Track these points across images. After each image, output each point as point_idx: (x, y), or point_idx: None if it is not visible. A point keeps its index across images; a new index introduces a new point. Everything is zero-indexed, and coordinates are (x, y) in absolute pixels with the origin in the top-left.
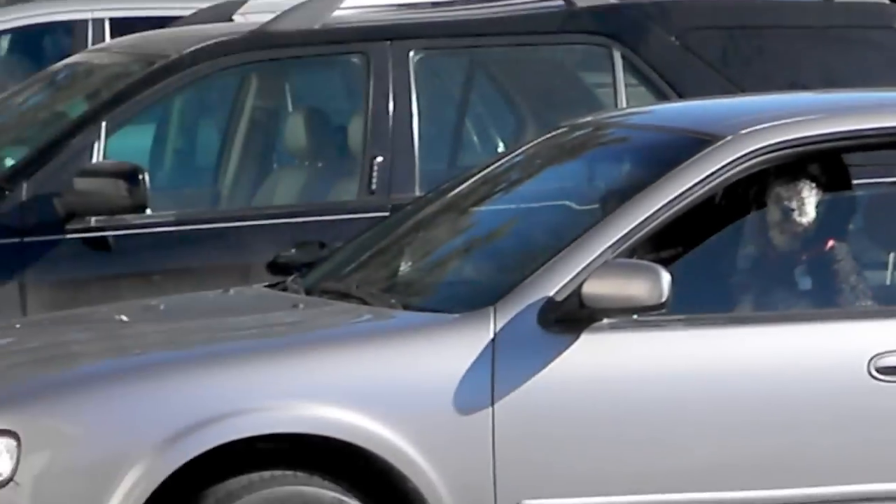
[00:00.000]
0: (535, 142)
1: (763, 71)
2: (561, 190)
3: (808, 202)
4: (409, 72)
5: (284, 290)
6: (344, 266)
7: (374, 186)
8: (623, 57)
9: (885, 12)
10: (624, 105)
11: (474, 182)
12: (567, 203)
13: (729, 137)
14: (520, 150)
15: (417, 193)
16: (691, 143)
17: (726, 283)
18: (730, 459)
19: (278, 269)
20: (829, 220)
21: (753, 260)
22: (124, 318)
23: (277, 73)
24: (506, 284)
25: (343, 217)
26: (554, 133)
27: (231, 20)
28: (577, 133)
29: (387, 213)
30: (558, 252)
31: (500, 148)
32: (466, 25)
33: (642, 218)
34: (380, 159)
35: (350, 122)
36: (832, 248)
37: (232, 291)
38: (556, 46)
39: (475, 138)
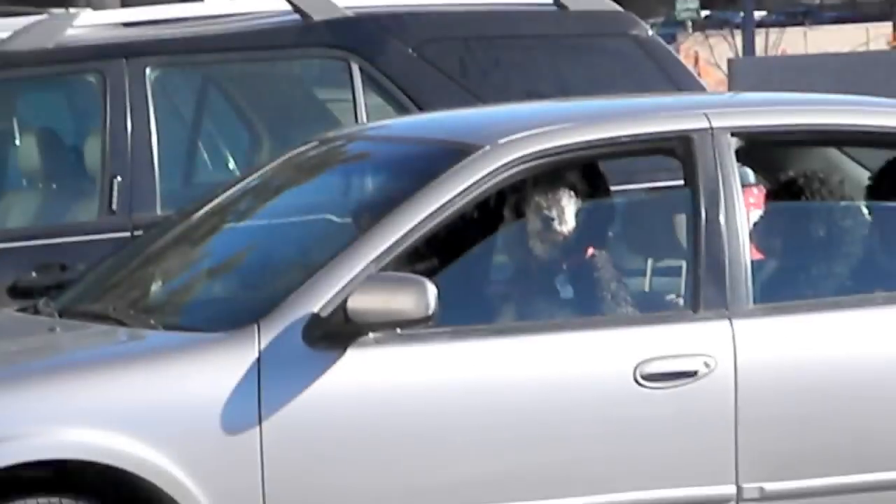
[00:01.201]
0: (285, 157)
1: (500, 81)
2: (318, 204)
3: (567, 210)
4: (145, 89)
5: (36, 313)
6: (98, 287)
7: (114, 206)
8: (361, 70)
9: (619, 20)
10: (364, 119)
11: (225, 199)
12: (327, 217)
13: (487, 147)
14: (270, 166)
15: (159, 212)
16: (449, 154)
17: (489, 294)
18: (500, 472)
19: (19, 293)
20: (588, 228)
21: (515, 270)
22: None
23: (11, 94)
24: (269, 301)
25: (84, 238)
26: (303, 147)
27: None
28: (328, 147)
29: (128, 233)
30: (321, 267)
31: (232, 165)
32: (202, 41)
33: (405, 230)
34: (119, 179)
35: (87, 142)
36: (592, 255)
37: None
38: (292, 61)
39: (210, 156)
